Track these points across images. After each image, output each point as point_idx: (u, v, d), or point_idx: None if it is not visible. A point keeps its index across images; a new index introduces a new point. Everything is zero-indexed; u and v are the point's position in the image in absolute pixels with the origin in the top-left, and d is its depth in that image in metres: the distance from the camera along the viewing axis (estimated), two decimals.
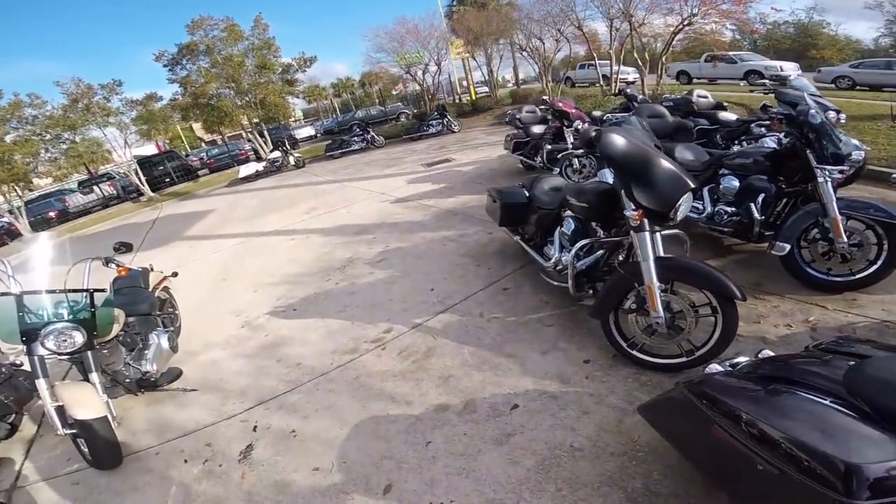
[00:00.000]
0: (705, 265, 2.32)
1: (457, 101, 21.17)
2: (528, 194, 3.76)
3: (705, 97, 6.67)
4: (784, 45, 26.54)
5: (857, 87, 13.34)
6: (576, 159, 5.79)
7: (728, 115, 6.27)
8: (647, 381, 2.36)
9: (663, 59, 10.25)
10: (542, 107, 7.17)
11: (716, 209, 3.48)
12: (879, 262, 2.72)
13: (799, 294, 2.88)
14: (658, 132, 4.74)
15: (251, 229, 7.67)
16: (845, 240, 2.70)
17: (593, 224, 2.91)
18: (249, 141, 18.82)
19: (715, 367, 1.69)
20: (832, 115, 4.92)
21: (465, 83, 22.57)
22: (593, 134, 2.37)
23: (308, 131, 28.96)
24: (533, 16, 13.29)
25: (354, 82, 37.95)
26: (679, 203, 2.21)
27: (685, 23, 9.23)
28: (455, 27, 17.80)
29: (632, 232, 2.34)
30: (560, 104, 6.02)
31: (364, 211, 7.23)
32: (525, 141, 7.12)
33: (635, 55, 10.71)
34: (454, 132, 14.89)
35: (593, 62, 19.80)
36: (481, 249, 4.63)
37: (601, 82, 13.95)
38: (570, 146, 5.77)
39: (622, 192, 2.33)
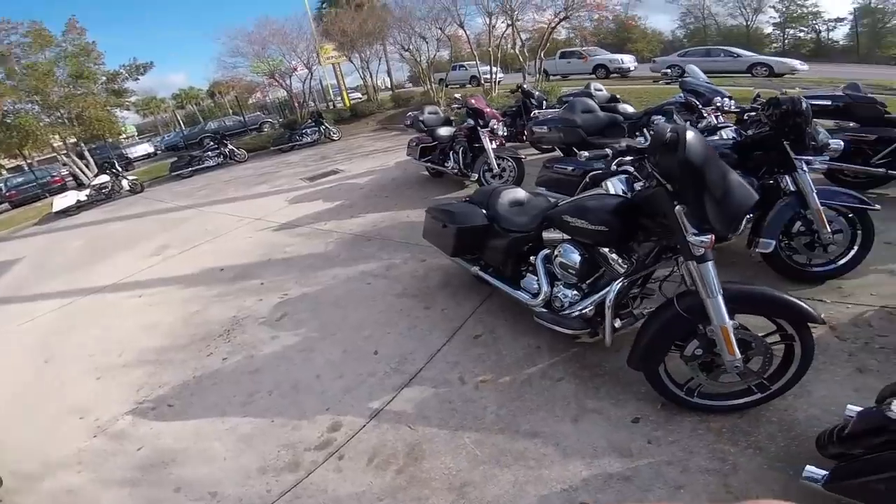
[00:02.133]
0: (770, 290, 1.85)
1: (331, 107, 19.69)
2: (485, 213, 2.97)
3: (601, 90, 6.66)
4: (608, 40, 29.78)
5: (683, 74, 15.29)
6: (495, 162, 5.20)
7: (627, 107, 6.31)
8: (722, 428, 1.89)
9: (541, 54, 10.38)
10: (455, 106, 6.49)
11: None
12: (856, 248, 2.74)
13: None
14: (591, 128, 4.39)
15: (78, 284, 5.52)
16: (829, 230, 2.63)
17: (603, 249, 2.24)
18: (66, 165, 14.99)
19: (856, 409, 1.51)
20: (726, 100, 5.07)
21: (337, 89, 21.17)
22: (669, 135, 1.66)
23: (145, 149, 24.27)
24: (416, 14, 12.64)
25: (201, 92, 33.46)
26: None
27: (562, 17, 9.40)
28: (327, 30, 16.40)
29: (690, 263, 1.77)
30: (473, 101, 5.38)
31: (238, 245, 5.65)
32: (432, 145, 6.35)
33: (517, 52, 10.70)
34: (334, 140, 13.58)
35: (464, 64, 20.07)
36: (421, 284, 3.68)
37: (472, 83, 13.89)
38: (489, 147, 5.16)
39: (683, 211, 1.68)
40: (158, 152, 24.40)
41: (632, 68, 17.23)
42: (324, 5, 22.56)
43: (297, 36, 16.01)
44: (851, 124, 4.07)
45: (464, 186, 6.04)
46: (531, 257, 2.68)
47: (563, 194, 3.94)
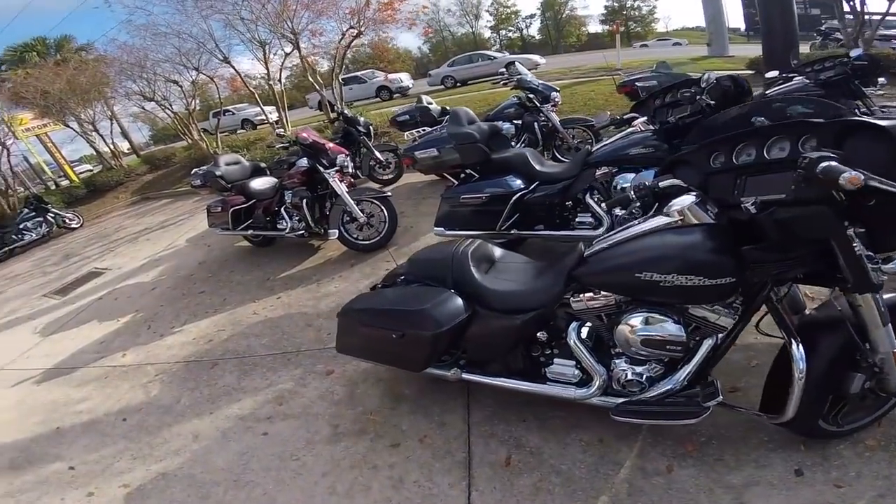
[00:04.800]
0: None
1: (53, 186, 14.70)
2: (461, 296, 1.90)
3: (432, 103, 6.09)
4: (367, 64, 30.70)
5: (458, 83, 16.38)
6: (357, 209, 4.02)
7: None
8: (878, 439, 1.64)
9: (340, 78, 9.33)
10: (280, 145, 4.90)
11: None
12: None
13: None
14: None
15: None
16: None
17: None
18: None
19: None
20: (555, 94, 5.06)
21: (54, 164, 15.98)
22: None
23: None
24: (157, 55, 9.85)
25: None
26: None
27: (356, 34, 8.53)
28: (20, 94, 11.92)
29: (862, 296, 1.35)
30: (306, 135, 4.03)
31: None
32: (247, 206, 4.71)
33: (312, 79, 9.36)
34: (73, 228, 9.90)
35: (230, 108, 17.57)
36: (354, 410, 2.40)
37: (246, 127, 11.98)
38: (343, 192, 3.94)
39: (856, 233, 1.21)
40: None
41: (410, 86, 17.68)
42: (1, 67, 16.97)
43: None
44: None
45: (315, 249, 4.63)
46: (539, 333, 1.83)
47: (480, 229, 3.10)
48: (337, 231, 4.03)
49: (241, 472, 2.22)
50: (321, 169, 4.03)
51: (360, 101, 17.31)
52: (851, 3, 7.00)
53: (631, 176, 2.81)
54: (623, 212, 2.59)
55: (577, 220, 3.06)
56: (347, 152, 4.26)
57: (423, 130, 3.98)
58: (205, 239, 6.00)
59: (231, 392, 2.82)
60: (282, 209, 4.49)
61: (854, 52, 3.68)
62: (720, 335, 1.52)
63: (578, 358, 1.72)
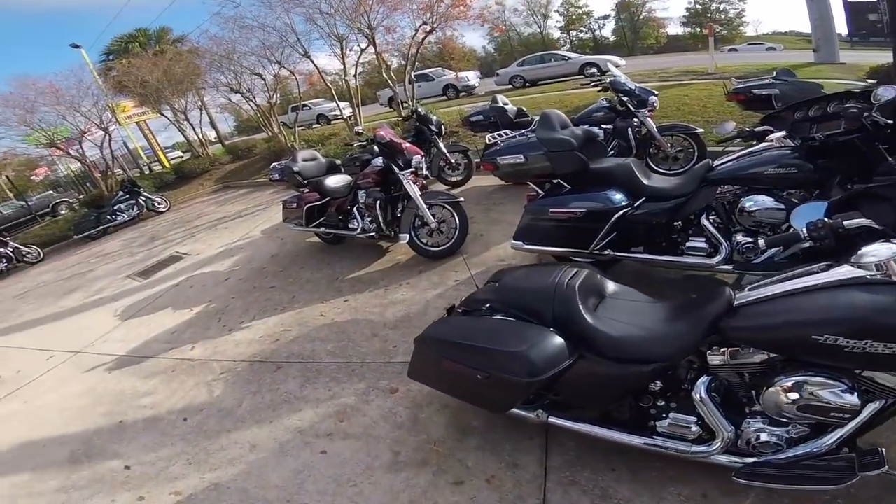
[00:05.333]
0: None
1: (147, 171, 16.01)
2: (563, 336, 1.62)
3: (508, 104, 5.77)
4: (434, 62, 30.94)
5: (527, 83, 15.81)
6: (429, 214, 3.81)
7: None
8: None
9: (412, 75, 9.28)
10: (358, 142, 4.86)
11: None
12: None
13: None
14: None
15: None
16: None
17: None
18: None
19: None
20: (653, 98, 4.56)
21: (149, 150, 17.43)
22: None
23: None
24: (243, 48, 10.35)
25: None
26: None
27: (429, 30, 8.43)
28: (121, 82, 13.04)
29: None
30: (383, 133, 3.90)
31: (61, 400, 3.44)
32: (322, 203, 4.67)
33: (386, 75, 9.41)
34: (161, 212, 10.64)
35: (307, 103, 18.27)
36: (418, 438, 2.18)
37: (321, 122, 12.26)
38: (416, 195, 3.75)
39: None
40: None
41: (476, 85, 17.45)
42: (109, 57, 18.68)
43: (77, 93, 12.38)
44: None
45: (383, 252, 4.49)
46: (652, 384, 1.56)
47: (568, 247, 2.76)
48: (408, 235, 3.84)
49: (295, 492, 2.09)
50: (396, 170, 3.86)
51: (427, 98, 17.32)
52: None
53: (763, 199, 2.38)
54: (773, 250, 2.17)
55: (688, 244, 2.64)
56: (423, 153, 4.06)
57: (506, 133, 3.68)
58: (278, 232, 6.08)
59: (293, 401, 2.71)
60: (354, 208, 4.40)
61: None
62: (892, 399, 1.25)
63: (703, 414, 1.48)
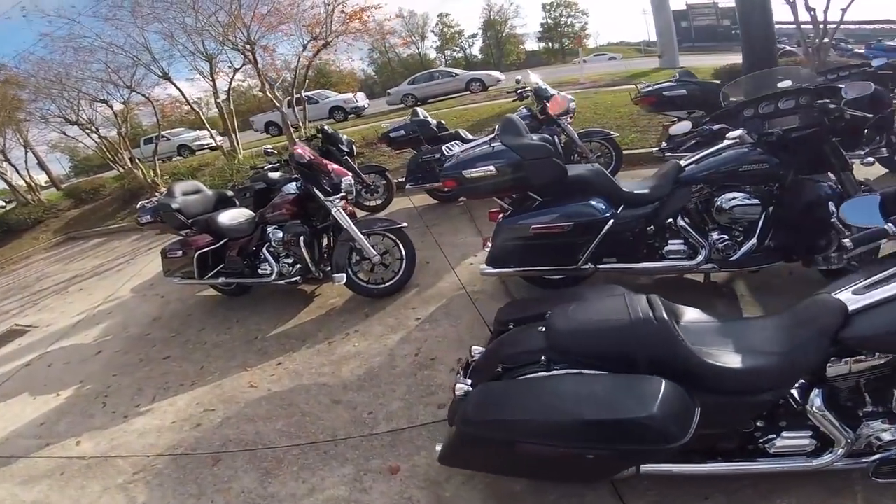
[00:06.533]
0: None
1: None
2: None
3: (427, 116, 5.44)
4: (310, 86, 29.81)
5: (418, 101, 15.75)
6: (369, 246, 3.26)
7: (465, 133, 5.28)
8: None
9: (301, 93, 8.40)
10: (268, 165, 4.00)
11: None
12: None
13: None
14: None
15: None
16: None
17: None
18: None
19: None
20: (572, 105, 4.61)
21: None
22: None
23: None
24: (83, 72, 8.43)
25: None
26: None
27: (323, 44, 7.71)
28: None
29: None
30: (300, 150, 3.20)
31: None
32: (218, 246, 3.78)
33: (270, 94, 8.39)
34: None
35: (164, 133, 15.98)
36: None
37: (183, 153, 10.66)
38: (350, 225, 3.16)
39: None
40: None
41: (366, 105, 16.91)
42: None
43: None
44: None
45: (308, 297, 3.75)
46: None
47: (553, 265, 2.47)
48: (344, 275, 3.22)
49: None
50: (320, 196, 3.23)
51: (314, 121, 16.33)
52: (812, 12, 7.09)
53: (739, 196, 2.35)
54: (749, 245, 2.23)
55: (668, 248, 2.51)
56: (348, 172, 3.47)
57: (458, 145, 3.30)
58: (154, 288, 4.92)
59: (259, 502, 1.97)
60: (263, 249, 3.61)
61: (876, 62, 3.66)
62: None
63: (821, 425, 1.36)
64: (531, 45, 47.82)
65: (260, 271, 3.64)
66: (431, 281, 3.48)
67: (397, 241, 3.38)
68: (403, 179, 5.10)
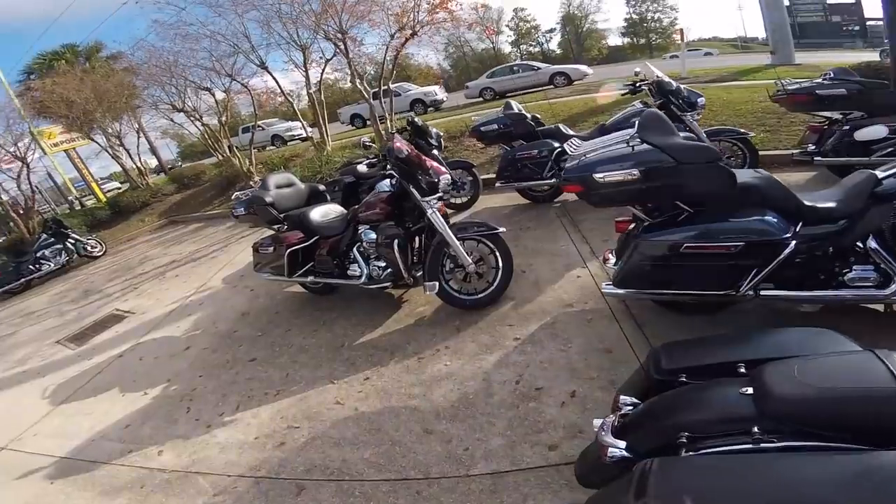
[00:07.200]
0: None
1: (75, 207, 14.11)
2: None
3: (522, 110, 5.04)
4: (393, 81, 30.23)
5: (497, 96, 15.34)
6: (464, 254, 2.96)
7: (566, 129, 4.82)
8: None
9: (389, 85, 8.37)
10: (366, 159, 3.92)
11: None
12: None
13: None
14: None
15: None
16: None
17: None
18: None
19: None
20: (701, 100, 4.05)
21: (81, 182, 15.49)
22: None
23: None
24: (188, 61, 9.02)
25: None
26: None
27: (411, 34, 7.60)
28: (44, 104, 11.30)
29: None
30: (398, 145, 2.95)
31: None
32: (309, 244, 3.67)
33: (360, 86, 8.45)
34: (95, 256, 9.07)
35: (259, 123, 16.93)
36: None
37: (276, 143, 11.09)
38: (446, 230, 2.87)
39: None
40: None
41: (444, 99, 16.84)
42: (30, 76, 16.52)
43: None
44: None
45: (396, 303, 3.55)
46: None
47: (704, 290, 2.01)
48: (437, 283, 2.94)
49: None
50: (416, 195, 2.96)
51: (396, 114, 16.52)
52: None
53: None
54: None
55: (852, 274, 1.95)
56: (449, 172, 3.18)
57: (577, 143, 2.91)
58: (245, 280, 4.99)
59: None
60: (353, 249, 3.43)
61: None
62: None
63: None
64: (614, 40, 45.52)
65: (349, 272, 3.45)
66: (530, 294, 3.10)
67: (494, 249, 3.04)
68: (495, 176, 4.77)
